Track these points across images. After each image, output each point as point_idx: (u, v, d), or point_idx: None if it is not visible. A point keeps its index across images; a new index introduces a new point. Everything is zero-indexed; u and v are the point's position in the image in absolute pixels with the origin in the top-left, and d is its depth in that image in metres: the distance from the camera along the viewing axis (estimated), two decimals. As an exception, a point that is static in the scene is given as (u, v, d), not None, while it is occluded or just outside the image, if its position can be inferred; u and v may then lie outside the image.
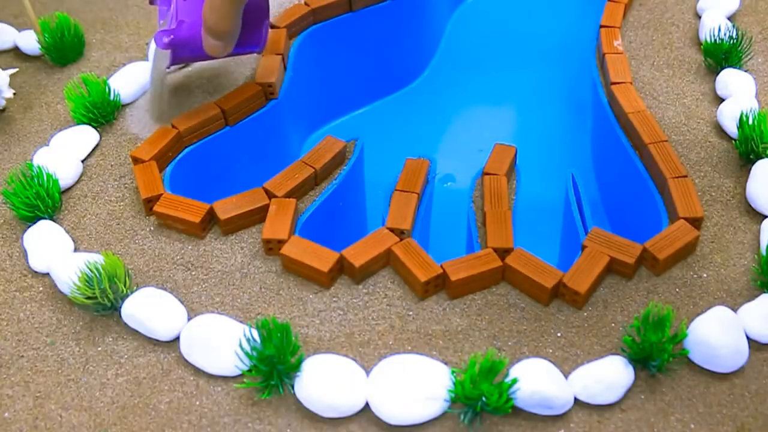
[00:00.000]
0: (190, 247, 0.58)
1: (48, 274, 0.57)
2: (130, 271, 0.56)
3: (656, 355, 0.48)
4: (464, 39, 0.97)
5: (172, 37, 0.56)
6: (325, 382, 0.48)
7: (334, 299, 0.54)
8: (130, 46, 0.78)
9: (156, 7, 0.63)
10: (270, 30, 0.77)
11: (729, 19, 0.77)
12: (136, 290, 0.54)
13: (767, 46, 0.74)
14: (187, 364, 0.51)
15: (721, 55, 0.70)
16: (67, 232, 0.60)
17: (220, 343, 0.50)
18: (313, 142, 0.84)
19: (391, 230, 0.57)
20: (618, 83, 0.70)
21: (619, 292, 0.54)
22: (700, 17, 0.78)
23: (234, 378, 0.50)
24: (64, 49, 0.75)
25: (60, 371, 0.52)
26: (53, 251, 0.57)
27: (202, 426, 0.48)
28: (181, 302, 0.54)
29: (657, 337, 0.47)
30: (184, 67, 0.69)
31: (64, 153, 0.65)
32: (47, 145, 0.67)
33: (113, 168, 0.65)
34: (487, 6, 0.99)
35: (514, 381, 0.46)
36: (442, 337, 0.52)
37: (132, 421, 0.49)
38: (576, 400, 0.48)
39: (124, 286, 0.54)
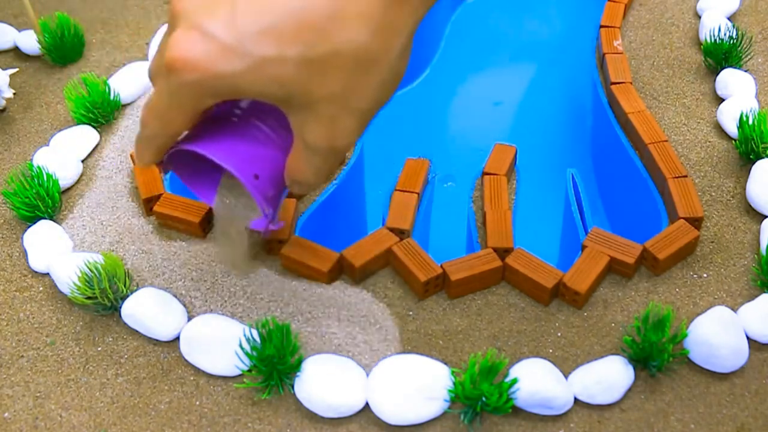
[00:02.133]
0: (190, 247, 0.58)
1: (48, 274, 0.57)
2: (130, 271, 0.56)
3: (656, 355, 0.48)
4: (464, 39, 0.97)
5: (281, 222, 0.48)
6: (325, 382, 0.48)
7: (334, 299, 0.54)
8: (130, 46, 0.78)
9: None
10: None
11: (729, 19, 0.77)
12: (136, 290, 0.54)
13: (767, 46, 0.74)
14: (187, 364, 0.51)
15: (721, 55, 0.70)
16: (67, 232, 0.60)
17: (220, 343, 0.50)
18: (313, 142, 0.84)
19: (391, 230, 0.57)
20: (618, 83, 0.70)
21: (619, 292, 0.54)
22: (700, 17, 0.78)
23: (234, 378, 0.50)
24: (64, 49, 0.75)
25: (60, 371, 0.52)
26: (53, 251, 0.57)
27: (202, 426, 0.48)
28: (181, 302, 0.54)
29: (657, 337, 0.47)
30: None
31: (64, 153, 0.65)
32: (47, 145, 0.67)
33: (113, 168, 0.65)
34: (487, 6, 0.99)
35: (514, 381, 0.46)
36: (442, 337, 0.52)
37: (132, 421, 0.49)
38: (576, 400, 0.48)
39: (124, 286, 0.54)
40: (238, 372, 0.50)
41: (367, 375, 0.49)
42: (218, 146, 0.43)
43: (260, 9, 0.36)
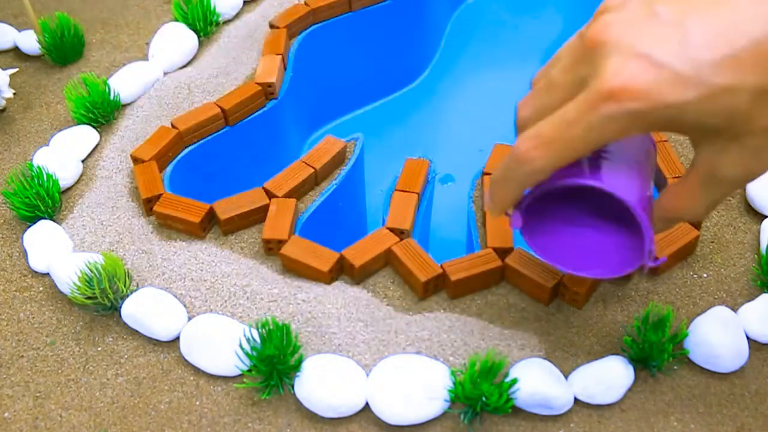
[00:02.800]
0: (190, 247, 0.58)
1: (48, 274, 0.57)
2: (130, 271, 0.56)
3: (656, 355, 0.48)
4: (464, 39, 0.97)
5: (664, 256, 0.44)
6: (325, 382, 0.48)
7: (334, 299, 0.54)
8: (130, 46, 0.78)
9: None
10: (270, 30, 0.77)
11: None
12: (136, 290, 0.54)
13: (767, 46, 0.74)
14: (187, 364, 0.51)
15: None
16: (67, 232, 0.60)
17: (220, 343, 0.50)
18: (313, 142, 0.84)
19: (391, 230, 0.57)
20: (618, 83, 0.70)
21: (619, 292, 0.54)
22: (700, 17, 0.78)
23: (234, 378, 0.50)
24: (64, 49, 0.75)
25: (60, 371, 0.52)
26: (53, 251, 0.57)
27: (202, 426, 0.48)
28: (181, 302, 0.54)
29: (657, 337, 0.47)
30: None
31: (64, 153, 0.65)
32: (47, 145, 0.67)
33: (113, 168, 0.65)
34: (487, 6, 0.99)
35: (514, 381, 0.46)
36: (442, 337, 0.52)
37: (132, 421, 0.49)
38: (576, 400, 0.48)
39: (124, 286, 0.54)
40: (238, 372, 0.50)
41: (367, 375, 0.49)
42: (608, 179, 0.40)
43: (717, 38, 0.34)
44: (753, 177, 0.39)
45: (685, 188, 0.41)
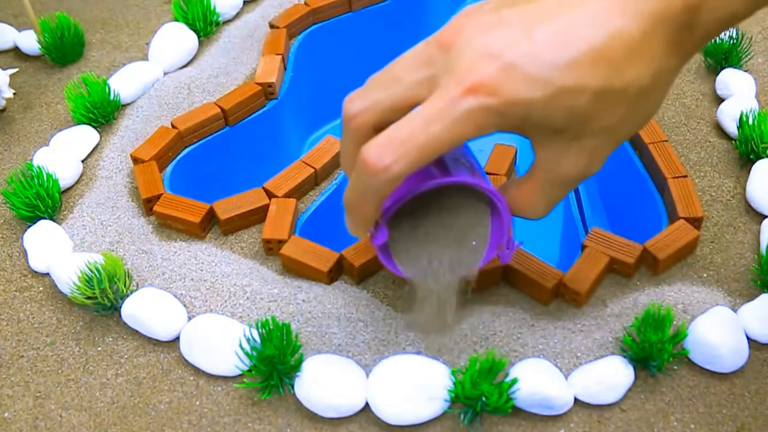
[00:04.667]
0: (190, 247, 0.58)
1: (48, 274, 0.57)
2: (130, 271, 0.56)
3: (656, 355, 0.48)
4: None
5: (519, 242, 0.47)
6: (325, 382, 0.48)
7: (334, 299, 0.54)
8: (130, 46, 0.78)
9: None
10: (270, 30, 0.77)
11: (729, 19, 0.77)
12: (136, 290, 0.54)
13: (767, 46, 0.74)
14: (187, 364, 0.51)
15: (721, 55, 0.70)
16: (67, 232, 0.60)
17: (220, 343, 0.50)
18: (313, 142, 0.84)
19: (391, 230, 0.57)
20: (618, 83, 0.70)
21: (619, 292, 0.54)
22: (700, 17, 0.78)
23: (234, 378, 0.50)
24: (64, 49, 0.75)
25: (60, 371, 0.52)
26: (53, 251, 0.57)
27: (202, 426, 0.48)
28: (181, 302, 0.54)
29: (657, 337, 0.47)
30: None
31: (64, 153, 0.65)
32: (47, 145, 0.67)
33: (113, 168, 0.65)
34: (487, 6, 0.99)
35: (514, 381, 0.46)
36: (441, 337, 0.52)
37: (132, 421, 0.49)
38: (576, 400, 0.48)
39: (124, 286, 0.54)
40: (238, 372, 0.50)
41: (367, 375, 0.49)
42: (460, 176, 0.42)
43: (560, 42, 0.37)
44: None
45: (525, 189, 0.43)
